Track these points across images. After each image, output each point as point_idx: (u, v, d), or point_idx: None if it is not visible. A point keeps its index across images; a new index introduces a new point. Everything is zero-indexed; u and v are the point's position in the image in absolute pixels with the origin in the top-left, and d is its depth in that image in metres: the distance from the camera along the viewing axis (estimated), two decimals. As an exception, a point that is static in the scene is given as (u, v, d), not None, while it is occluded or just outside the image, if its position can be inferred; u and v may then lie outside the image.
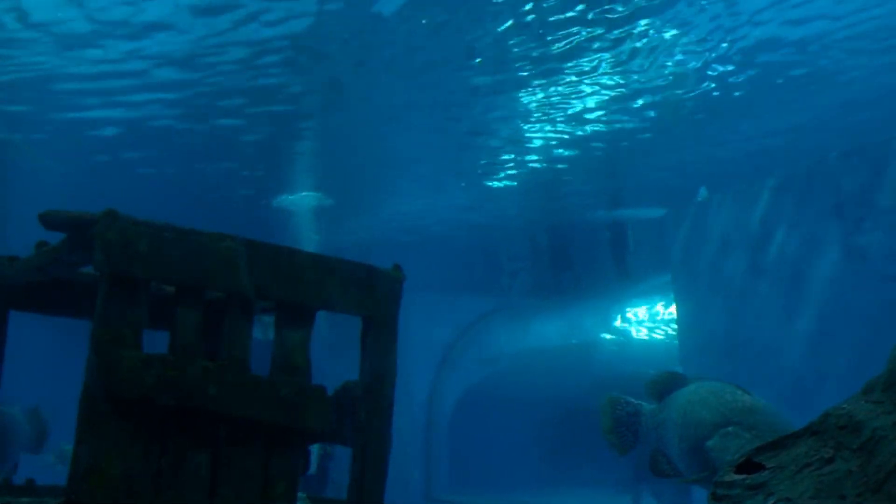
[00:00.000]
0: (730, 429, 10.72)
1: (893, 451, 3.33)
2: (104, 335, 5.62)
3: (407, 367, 12.91)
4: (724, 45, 13.80)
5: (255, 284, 6.14)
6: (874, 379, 4.05)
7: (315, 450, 19.63)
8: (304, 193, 21.29)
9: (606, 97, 15.67)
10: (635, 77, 14.95)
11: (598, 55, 14.23)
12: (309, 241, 23.22)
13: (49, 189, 19.36)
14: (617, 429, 11.27)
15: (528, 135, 17.45)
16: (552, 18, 13.04)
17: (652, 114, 16.23)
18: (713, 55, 14.11)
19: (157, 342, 6.07)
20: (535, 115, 16.46)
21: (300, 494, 6.51)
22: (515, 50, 14.02)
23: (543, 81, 15.13)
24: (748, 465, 3.69)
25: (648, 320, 31.54)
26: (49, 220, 5.99)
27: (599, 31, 13.39)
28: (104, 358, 5.56)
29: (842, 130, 16.34)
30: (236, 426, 5.93)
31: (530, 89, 15.43)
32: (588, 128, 16.95)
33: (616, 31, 13.41)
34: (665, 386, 11.48)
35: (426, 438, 27.14)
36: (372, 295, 6.67)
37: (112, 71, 14.74)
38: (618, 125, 16.80)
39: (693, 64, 14.42)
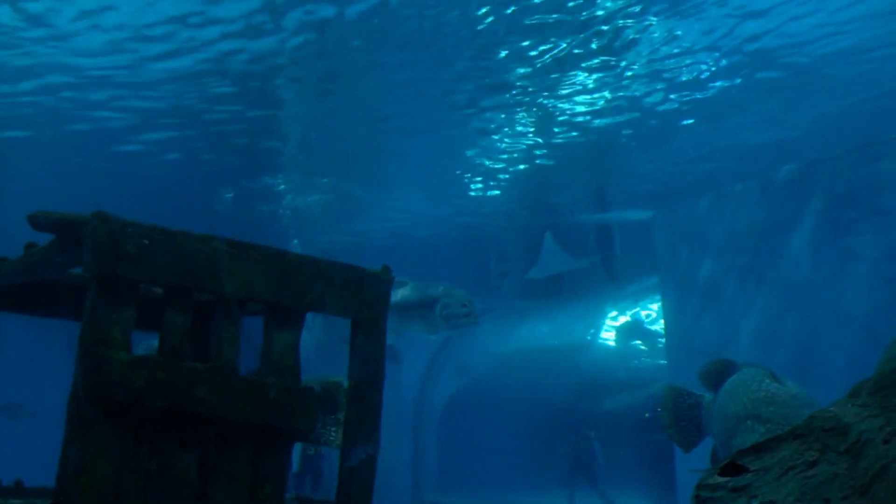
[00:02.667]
0: (748, 422, 10.63)
1: (880, 455, 3.35)
2: (93, 337, 5.63)
3: (396, 368, 12.91)
4: (714, 45, 13.83)
5: (243, 286, 6.15)
6: (861, 382, 4.07)
7: (296, 448, 19.67)
8: (293, 190, 21.28)
9: (595, 98, 15.70)
10: (623, 78, 14.98)
11: (586, 58, 14.26)
12: (298, 242, 23.21)
13: (38, 190, 19.33)
14: (678, 423, 11.07)
15: (518, 136, 17.48)
16: (540, 21, 13.06)
17: (640, 115, 16.28)
18: (702, 55, 14.13)
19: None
20: (525, 115, 16.48)
21: (288, 495, 6.52)
22: (504, 53, 14.05)
23: (533, 83, 15.16)
24: (732, 468, 3.71)
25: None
26: (38, 222, 5.99)
27: (586, 34, 13.42)
28: (93, 359, 5.56)
29: (834, 131, 16.38)
30: (225, 427, 5.94)
31: (519, 90, 15.46)
32: (578, 129, 16.98)
33: (603, 35, 13.43)
34: (716, 375, 11.27)
35: (415, 439, 27.17)
36: (361, 297, 6.68)
37: (98, 66, 14.69)
38: (607, 126, 16.83)
39: (681, 63, 14.45)
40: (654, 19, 13.01)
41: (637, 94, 15.39)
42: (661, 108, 15.92)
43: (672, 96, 15.45)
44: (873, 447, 3.43)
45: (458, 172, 19.52)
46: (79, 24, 13.29)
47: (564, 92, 15.43)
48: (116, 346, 5.65)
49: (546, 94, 15.50)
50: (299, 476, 21.04)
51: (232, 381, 5.95)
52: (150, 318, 6.26)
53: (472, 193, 20.79)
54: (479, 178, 19.87)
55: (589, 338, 31.40)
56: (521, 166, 19.10)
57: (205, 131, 17.34)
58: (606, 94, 15.45)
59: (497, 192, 20.61)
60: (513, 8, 12.68)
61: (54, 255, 6.23)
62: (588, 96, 15.56)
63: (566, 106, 15.98)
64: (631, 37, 13.51)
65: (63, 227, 5.96)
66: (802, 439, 3.68)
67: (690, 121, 16.45)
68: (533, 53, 13.93)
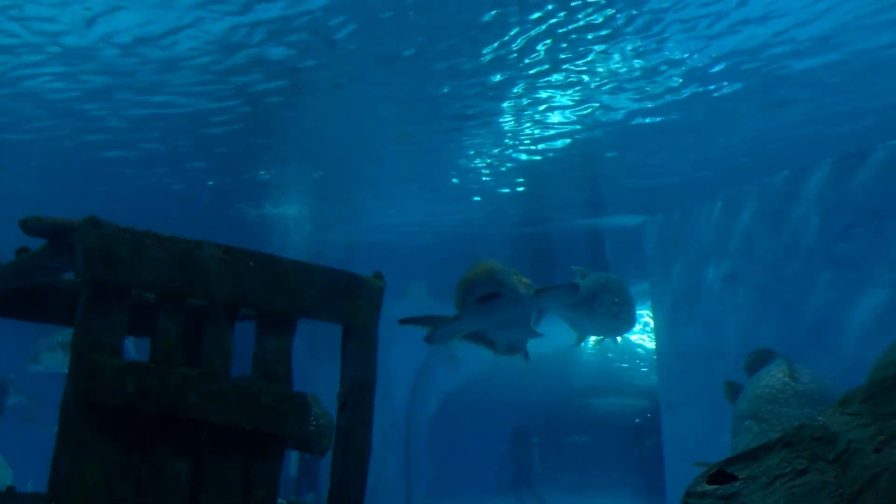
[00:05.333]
0: (747, 422, 10.58)
1: (870, 464, 3.36)
2: (85, 342, 5.63)
3: (388, 373, 12.86)
4: (707, 49, 13.84)
5: (235, 292, 6.16)
6: (852, 391, 4.08)
7: (295, 453, 19.68)
8: (287, 198, 21.27)
9: (588, 101, 15.71)
10: (616, 81, 14.99)
11: (578, 60, 14.28)
12: (291, 247, 23.16)
13: (33, 194, 19.27)
14: None
15: (508, 141, 17.49)
16: (530, 24, 13.07)
17: (631, 121, 16.29)
18: (695, 60, 14.15)
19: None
20: (514, 121, 16.49)
21: (280, 501, 6.53)
22: (491, 57, 14.06)
23: (522, 89, 15.18)
24: (721, 475, 3.72)
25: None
26: (30, 226, 5.99)
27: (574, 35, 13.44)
28: (85, 365, 5.56)
29: (827, 137, 16.39)
30: (217, 433, 5.94)
31: (510, 96, 15.48)
32: (569, 134, 16.99)
33: (593, 35, 13.44)
34: (755, 367, 11.13)
35: (407, 444, 27.15)
36: (353, 302, 6.70)
37: (88, 70, 14.67)
38: (599, 130, 16.85)
39: (672, 71, 14.47)
40: (644, 26, 13.05)
41: (628, 99, 15.41)
42: (653, 114, 15.94)
43: (662, 103, 15.47)
44: (862, 456, 3.44)
45: (448, 178, 19.53)
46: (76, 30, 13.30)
47: (555, 98, 15.45)
48: (108, 352, 5.66)
49: (535, 100, 15.52)
50: (298, 480, 21.08)
51: (224, 387, 5.96)
52: (142, 324, 6.26)
53: (464, 197, 20.79)
54: (475, 182, 19.87)
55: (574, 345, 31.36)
56: (516, 170, 19.12)
57: (194, 136, 17.34)
58: (597, 100, 15.47)
59: (491, 195, 20.62)
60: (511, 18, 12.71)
61: (46, 260, 6.23)
62: (578, 100, 15.58)
63: (556, 112, 16.00)
64: (620, 44, 13.54)
65: (55, 232, 5.97)
66: (791, 447, 3.70)
67: (682, 127, 16.46)
68: (514, 57, 13.95)
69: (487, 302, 8.42)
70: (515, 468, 28.56)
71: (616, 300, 14.32)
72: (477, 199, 20.73)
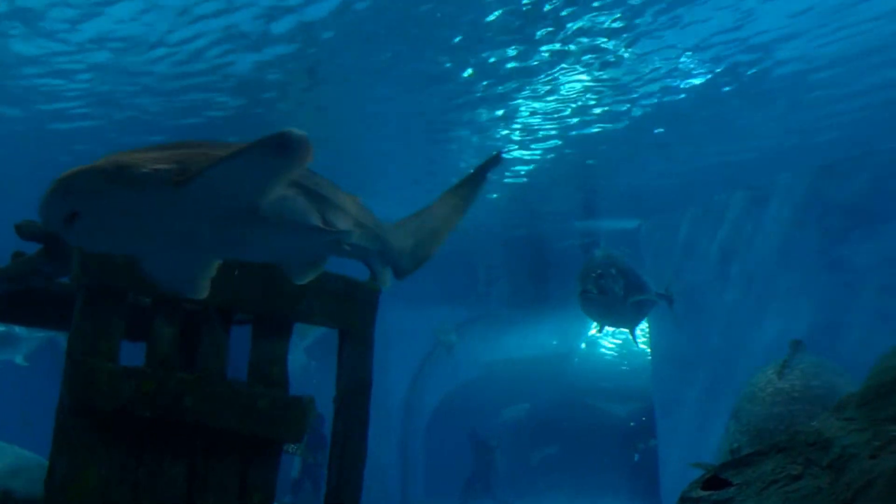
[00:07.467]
0: (729, 422, 10.54)
1: (864, 469, 3.35)
2: (81, 347, 5.61)
3: (384, 376, 12.83)
4: (704, 56, 13.85)
5: (231, 296, 6.14)
6: (847, 396, 4.08)
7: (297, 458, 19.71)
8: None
9: (584, 105, 15.70)
10: (613, 84, 14.98)
11: (575, 64, 14.27)
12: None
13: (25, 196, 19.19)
14: None
15: (504, 144, 17.48)
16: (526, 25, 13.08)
17: (626, 125, 16.29)
18: (694, 63, 14.14)
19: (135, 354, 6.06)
20: (513, 122, 16.48)
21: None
22: (491, 59, 14.05)
23: (520, 91, 15.17)
24: (715, 481, 3.72)
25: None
26: (25, 231, 5.98)
27: (572, 42, 13.43)
28: (81, 370, 5.54)
29: (826, 140, 16.38)
30: (213, 437, 5.93)
31: (507, 97, 15.47)
32: (565, 137, 16.98)
33: (590, 37, 13.44)
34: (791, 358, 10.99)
35: (403, 447, 27.12)
36: (349, 307, 6.68)
37: (82, 64, 14.62)
38: (595, 133, 16.83)
39: (671, 72, 14.46)
40: (642, 26, 13.05)
41: (623, 104, 15.40)
42: (650, 116, 15.94)
43: (659, 106, 15.47)
44: (857, 462, 3.44)
45: (447, 178, 19.51)
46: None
47: (550, 102, 15.44)
48: (104, 357, 5.64)
49: (529, 103, 15.52)
50: (298, 482, 21.08)
51: (220, 391, 5.94)
52: (138, 328, 6.24)
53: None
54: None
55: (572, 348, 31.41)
56: (512, 174, 19.12)
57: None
58: (592, 103, 15.45)
59: (486, 198, 20.61)
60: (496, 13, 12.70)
61: (42, 265, 6.22)
62: (574, 105, 15.57)
63: (552, 116, 15.99)
64: (620, 47, 13.53)
65: (50, 236, 5.95)
66: (785, 453, 3.70)
67: (680, 129, 16.46)
68: (510, 58, 13.96)
69: (78, 226, 4.23)
70: (471, 473, 28.68)
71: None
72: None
